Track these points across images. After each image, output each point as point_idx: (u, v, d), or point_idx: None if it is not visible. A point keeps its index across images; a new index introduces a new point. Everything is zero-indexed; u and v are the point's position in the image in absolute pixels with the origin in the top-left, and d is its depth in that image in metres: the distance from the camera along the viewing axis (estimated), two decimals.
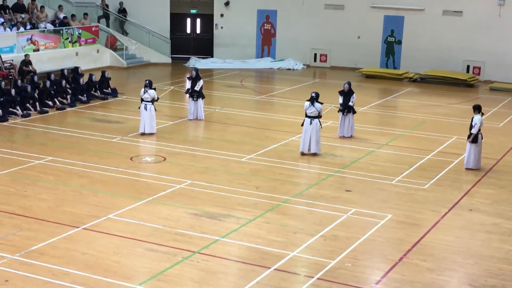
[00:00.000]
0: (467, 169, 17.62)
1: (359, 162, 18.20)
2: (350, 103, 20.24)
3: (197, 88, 21.93)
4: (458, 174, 17.37)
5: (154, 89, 20.36)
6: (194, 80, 22.07)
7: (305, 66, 35.24)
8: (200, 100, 22.14)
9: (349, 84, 20.51)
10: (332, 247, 12.52)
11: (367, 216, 14.20)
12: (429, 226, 13.77)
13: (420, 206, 14.96)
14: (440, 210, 14.72)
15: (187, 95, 22.48)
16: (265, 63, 35.33)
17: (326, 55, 35.35)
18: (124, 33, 34.99)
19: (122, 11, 35.19)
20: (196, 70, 22.50)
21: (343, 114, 20.33)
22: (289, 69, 34.63)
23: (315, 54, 35.53)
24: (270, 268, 11.58)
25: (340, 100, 20.38)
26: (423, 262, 12.03)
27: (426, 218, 14.22)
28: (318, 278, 11.26)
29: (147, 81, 20.25)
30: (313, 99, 18.07)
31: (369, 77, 32.57)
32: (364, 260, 12.10)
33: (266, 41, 36.08)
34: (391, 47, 34.13)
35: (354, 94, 20.43)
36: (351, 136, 20.49)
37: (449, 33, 32.58)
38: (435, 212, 14.60)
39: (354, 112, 20.60)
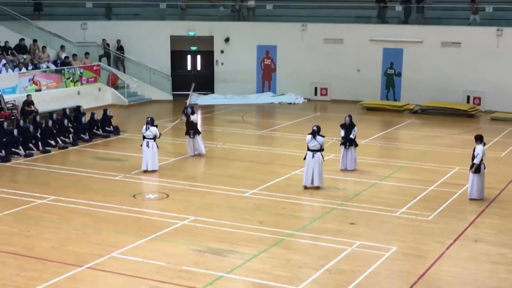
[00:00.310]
0: (470, 199, 17.57)
1: (362, 194, 18.16)
2: (352, 136, 20.28)
3: (195, 122, 22.25)
4: (462, 205, 17.32)
5: (156, 126, 20.44)
6: (190, 116, 22.09)
7: (306, 100, 35.34)
8: (197, 137, 22.16)
9: (350, 117, 20.66)
10: (337, 281, 12.43)
11: (372, 248, 14.12)
12: (435, 257, 13.69)
13: (425, 237, 14.89)
14: (445, 241, 14.64)
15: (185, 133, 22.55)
16: (266, 98, 35.46)
17: (326, 89, 35.49)
18: (122, 69, 35.11)
19: (120, 48, 35.41)
20: (192, 107, 22.56)
21: (345, 147, 20.35)
22: (290, 103, 34.73)
23: (316, 88, 35.66)
24: None
25: (342, 133, 20.43)
26: None
27: (432, 250, 14.14)
28: None
29: (149, 119, 20.35)
30: (315, 133, 18.13)
31: (370, 109, 32.65)
32: None
33: (267, 76, 36.27)
34: (391, 79, 34.28)
35: (355, 127, 20.46)
36: (355, 169, 20.44)
37: (448, 64, 32.73)
38: (440, 243, 14.52)
39: (356, 145, 20.58)
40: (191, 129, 21.97)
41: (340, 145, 20.49)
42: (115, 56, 35.26)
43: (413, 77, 33.52)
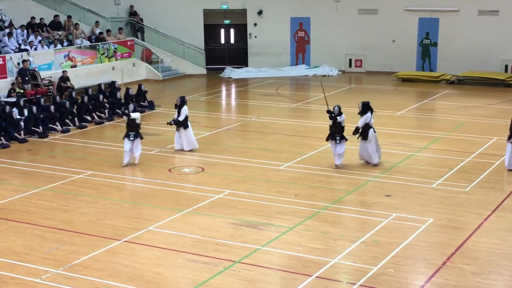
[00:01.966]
0: (509, 170, 17.32)
1: (398, 166, 18.03)
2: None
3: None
4: (500, 176, 17.11)
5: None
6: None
7: (340, 72, 35.10)
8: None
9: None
10: (373, 253, 12.40)
11: (408, 220, 14.04)
12: (472, 229, 13.57)
13: (462, 209, 14.76)
14: (482, 212, 14.49)
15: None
16: (300, 70, 35.30)
17: (361, 60, 35.18)
18: (140, 37, 34.96)
19: (133, 13, 35.30)
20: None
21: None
22: (324, 75, 34.52)
23: (350, 60, 35.39)
24: (311, 276, 11.51)
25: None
26: (467, 266, 11.85)
27: (469, 221, 14.01)
28: (360, 285, 11.17)
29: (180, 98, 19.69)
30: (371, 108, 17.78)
31: (406, 80, 32.29)
32: (407, 265, 11.97)
33: (300, 48, 36.05)
34: (426, 50, 33.83)
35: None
36: (337, 166, 17.81)
37: (485, 33, 32.18)
38: (478, 214, 14.38)
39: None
40: (132, 131, 18.40)
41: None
42: (131, 23, 35.16)
43: (449, 47, 33.06)
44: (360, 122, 17.81)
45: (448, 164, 18.15)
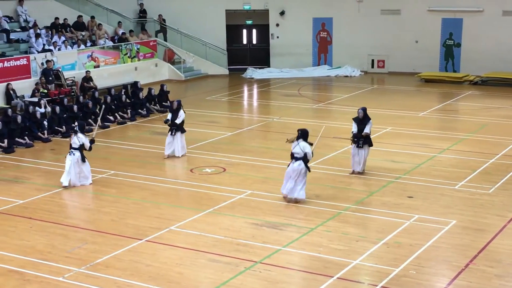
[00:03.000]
0: None
1: (421, 167, 17.93)
2: (367, 131, 17.09)
3: (177, 121, 19.15)
4: None
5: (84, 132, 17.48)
6: (175, 111, 19.26)
7: (363, 73, 34.98)
8: (179, 135, 19.24)
9: (364, 110, 17.31)
10: (395, 255, 12.34)
11: (430, 222, 13.95)
12: (496, 231, 13.45)
13: (485, 211, 14.63)
14: (506, 214, 14.36)
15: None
16: (322, 71, 35.24)
17: (383, 61, 35.03)
18: (163, 38, 35.05)
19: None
20: (179, 101, 19.59)
21: (357, 146, 17.18)
22: (346, 76, 34.43)
23: (373, 60, 35.24)
24: (333, 277, 11.48)
25: (354, 128, 17.25)
26: (490, 268, 11.75)
27: (492, 223, 13.89)
28: (382, 286, 11.12)
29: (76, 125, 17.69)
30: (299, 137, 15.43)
31: (429, 81, 32.10)
32: (429, 267, 11.89)
33: (323, 49, 35.98)
34: (450, 50, 33.60)
35: (370, 121, 17.24)
36: (363, 171, 17.39)
37: (509, 34, 31.92)
38: (501, 217, 14.25)
39: (371, 144, 17.34)
40: (174, 126, 18.93)
41: (352, 143, 17.40)
42: (160, 26, 35.33)
43: (473, 48, 32.81)
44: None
45: (471, 165, 18.01)
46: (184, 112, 19.41)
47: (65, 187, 16.55)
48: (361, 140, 17.08)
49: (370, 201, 15.38)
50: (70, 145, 16.85)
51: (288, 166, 15.34)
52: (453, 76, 32.24)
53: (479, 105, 26.49)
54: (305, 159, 15.09)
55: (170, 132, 19.24)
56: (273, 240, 13.14)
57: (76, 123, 17.24)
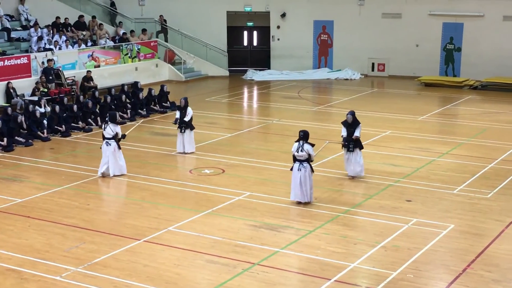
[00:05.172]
0: None
1: (420, 171, 17.94)
2: (357, 134, 17.00)
3: (186, 118, 19.44)
4: None
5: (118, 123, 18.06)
6: (183, 109, 19.57)
7: (363, 76, 35.00)
8: (188, 132, 19.54)
9: (353, 113, 17.26)
10: (393, 258, 12.34)
11: (428, 226, 13.96)
12: (494, 236, 13.45)
13: (484, 215, 14.64)
14: (504, 219, 14.37)
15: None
16: (322, 73, 35.25)
17: (384, 64, 35.04)
18: (164, 39, 34.97)
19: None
20: (185, 99, 19.86)
21: (347, 150, 17.13)
22: (346, 79, 34.45)
23: (373, 64, 35.25)
24: (330, 279, 11.48)
25: (343, 132, 17.23)
26: (488, 273, 11.75)
27: (490, 228, 13.90)
28: None
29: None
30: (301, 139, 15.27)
31: (429, 85, 32.12)
32: (427, 271, 11.89)
33: (323, 51, 35.99)
34: (450, 55, 33.62)
35: (360, 125, 17.15)
36: (363, 176, 17.35)
37: (510, 39, 31.92)
38: (500, 221, 14.26)
39: (361, 147, 17.24)
40: (183, 123, 19.39)
41: (343, 147, 17.37)
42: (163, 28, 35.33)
43: (474, 52, 32.83)
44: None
45: (470, 170, 18.02)
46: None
47: (103, 175, 17.33)
48: (352, 143, 17.07)
49: (368, 204, 15.38)
50: (103, 136, 17.39)
51: (292, 169, 15.30)
52: (453, 81, 32.25)
53: (479, 110, 26.50)
54: (308, 159, 15.12)
55: (179, 130, 19.53)
56: (271, 242, 13.14)
57: (108, 114, 17.88)
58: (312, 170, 15.34)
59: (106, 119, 17.61)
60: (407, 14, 34.09)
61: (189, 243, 13.06)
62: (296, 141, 15.30)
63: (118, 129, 17.45)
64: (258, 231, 13.70)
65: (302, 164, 15.12)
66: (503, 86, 30.69)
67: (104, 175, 17.39)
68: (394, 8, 34.28)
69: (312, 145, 15.24)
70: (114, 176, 17.38)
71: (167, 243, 13.09)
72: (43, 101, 23.54)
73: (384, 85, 33.02)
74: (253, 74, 35.09)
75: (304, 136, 15.16)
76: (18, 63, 26.04)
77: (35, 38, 28.30)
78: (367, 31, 34.65)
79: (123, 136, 17.73)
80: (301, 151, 15.07)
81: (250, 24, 37.31)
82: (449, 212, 14.84)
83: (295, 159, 15.24)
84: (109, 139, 17.32)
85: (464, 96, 29.74)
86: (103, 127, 17.57)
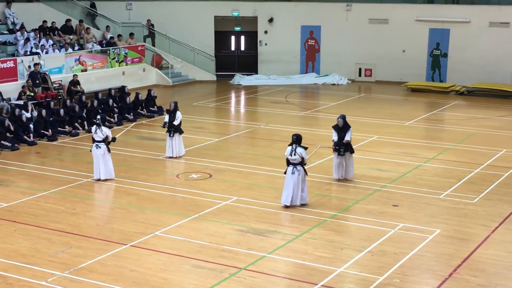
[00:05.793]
0: None
1: (406, 176, 18.00)
2: (348, 138, 17.13)
3: (175, 122, 19.42)
4: (508, 188, 17.04)
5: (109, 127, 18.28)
6: (172, 113, 19.53)
7: (350, 81, 35.10)
8: (177, 136, 19.52)
9: (343, 117, 17.38)
10: (380, 263, 12.37)
11: (415, 231, 14.01)
12: (479, 241, 13.52)
13: (470, 220, 14.71)
14: (490, 224, 14.44)
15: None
16: (310, 78, 35.33)
17: (371, 70, 35.17)
18: (151, 43, 34.87)
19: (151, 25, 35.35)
20: (175, 103, 19.77)
21: (338, 154, 17.26)
22: (333, 84, 34.54)
23: (360, 69, 35.37)
24: (317, 284, 11.49)
25: (334, 136, 17.35)
26: (473, 277, 11.80)
27: (476, 233, 13.96)
28: None
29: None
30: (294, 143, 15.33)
31: (415, 90, 32.26)
32: (413, 275, 11.93)
33: (310, 56, 36.08)
34: (437, 60, 33.79)
35: (350, 129, 17.29)
36: (351, 179, 17.52)
37: (496, 45, 32.13)
38: (485, 226, 14.32)
39: (352, 151, 17.45)
40: (172, 127, 19.37)
41: (334, 151, 17.45)
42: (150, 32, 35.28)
43: (460, 58, 33.01)
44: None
45: (456, 175, 18.10)
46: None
47: (98, 180, 17.29)
48: (342, 147, 17.17)
49: (355, 209, 15.41)
50: (93, 139, 17.37)
51: (285, 173, 15.35)
52: (440, 86, 32.40)
53: (465, 115, 26.64)
54: (301, 163, 15.26)
55: (168, 134, 19.49)
56: (258, 246, 13.14)
57: (98, 117, 17.68)
58: (306, 173, 15.43)
59: (98, 122, 17.49)
60: (394, 19, 34.24)
61: (176, 248, 13.04)
62: (289, 145, 15.36)
63: (109, 132, 17.47)
64: (245, 236, 13.70)
65: (295, 167, 15.22)
66: (489, 91, 30.87)
67: (100, 180, 17.38)
68: (381, 13, 34.43)
69: (305, 148, 15.32)
70: (100, 180, 17.32)
71: (154, 248, 13.05)
72: (30, 105, 23.43)
73: (371, 90, 33.13)
74: (240, 79, 35.11)
75: (297, 140, 15.29)
76: (5, 67, 25.92)
77: (21, 42, 28.19)
78: (354, 37, 34.77)
79: (113, 139, 17.74)
80: (294, 154, 15.16)
81: (237, 29, 37.33)
82: (436, 217, 14.90)
83: (288, 163, 15.31)
84: (99, 142, 17.30)
85: (451, 101, 29.89)
86: (94, 130, 17.41)
